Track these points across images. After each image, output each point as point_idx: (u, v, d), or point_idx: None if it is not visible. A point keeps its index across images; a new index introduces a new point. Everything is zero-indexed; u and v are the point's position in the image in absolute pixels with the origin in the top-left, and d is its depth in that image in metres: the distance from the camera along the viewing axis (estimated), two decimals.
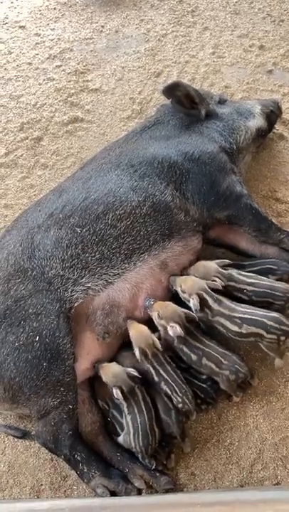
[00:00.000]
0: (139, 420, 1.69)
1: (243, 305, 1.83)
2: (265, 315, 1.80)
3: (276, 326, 1.78)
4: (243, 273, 1.93)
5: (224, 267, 1.96)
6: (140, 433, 1.67)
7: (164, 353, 1.81)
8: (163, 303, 1.87)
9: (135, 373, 1.73)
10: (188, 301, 1.84)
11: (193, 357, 1.80)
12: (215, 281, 1.88)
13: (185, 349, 1.81)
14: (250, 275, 1.93)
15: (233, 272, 1.93)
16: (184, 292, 1.86)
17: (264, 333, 1.78)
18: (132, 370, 1.75)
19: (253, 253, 2.15)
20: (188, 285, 1.86)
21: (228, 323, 1.81)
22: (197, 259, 2.05)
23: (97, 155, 2.24)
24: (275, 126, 2.62)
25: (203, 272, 1.94)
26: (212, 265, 1.95)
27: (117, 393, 1.71)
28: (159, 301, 1.87)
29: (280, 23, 3.15)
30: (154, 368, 1.78)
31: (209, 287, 1.85)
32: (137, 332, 1.81)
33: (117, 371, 1.76)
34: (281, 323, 1.79)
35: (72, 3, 3.39)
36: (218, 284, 1.87)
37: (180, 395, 1.74)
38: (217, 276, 1.90)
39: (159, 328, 1.83)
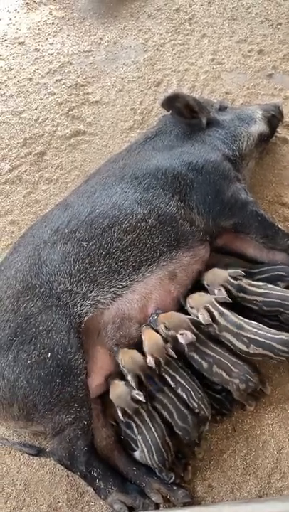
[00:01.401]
0: (149, 439, 1.68)
1: (252, 323, 1.81)
2: (274, 337, 1.77)
3: (284, 349, 1.76)
4: (254, 283, 1.92)
5: (237, 277, 1.94)
6: (154, 451, 1.66)
7: (177, 359, 1.80)
8: (167, 314, 1.86)
9: (140, 397, 1.70)
10: (197, 316, 1.82)
11: (204, 364, 1.78)
12: (220, 290, 1.87)
13: (196, 356, 1.79)
14: (260, 285, 1.91)
15: (243, 283, 1.91)
16: (192, 308, 1.86)
17: (272, 355, 1.77)
18: (137, 392, 1.71)
19: (261, 260, 2.14)
20: (195, 300, 1.86)
21: (235, 341, 1.79)
22: (207, 267, 2.04)
23: (101, 168, 2.25)
24: (278, 130, 2.62)
25: (211, 279, 1.93)
26: (222, 273, 1.94)
27: (119, 414, 1.71)
28: (163, 313, 1.87)
29: (278, 27, 3.15)
30: (169, 375, 1.77)
31: (217, 300, 1.83)
32: (151, 340, 1.80)
33: (120, 392, 1.74)
34: None
35: (70, 17, 3.41)
36: (224, 297, 1.86)
37: (196, 400, 1.73)
38: (224, 286, 1.89)
39: (169, 339, 1.82)
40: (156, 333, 1.82)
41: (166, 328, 1.82)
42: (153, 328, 1.85)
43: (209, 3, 3.33)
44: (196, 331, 1.80)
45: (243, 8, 3.28)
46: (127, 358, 1.78)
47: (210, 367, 1.78)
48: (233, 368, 1.77)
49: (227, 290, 1.89)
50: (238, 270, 1.96)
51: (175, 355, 1.78)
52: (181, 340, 1.78)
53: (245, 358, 1.82)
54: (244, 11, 3.26)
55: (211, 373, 1.78)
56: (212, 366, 1.78)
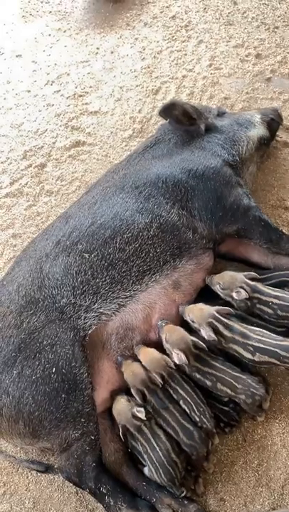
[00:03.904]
0: (154, 458, 1.65)
1: (256, 330, 1.78)
2: (279, 344, 1.74)
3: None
4: (268, 286, 1.89)
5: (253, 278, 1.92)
6: (161, 469, 1.64)
7: (179, 371, 1.78)
8: (173, 327, 1.84)
9: (141, 415, 1.67)
10: (200, 330, 1.79)
11: (208, 383, 1.76)
12: (239, 292, 1.84)
13: (198, 376, 1.77)
14: (275, 289, 1.88)
15: (259, 285, 1.89)
16: (193, 322, 1.83)
17: (277, 362, 1.75)
18: (138, 410, 1.68)
19: (266, 265, 2.12)
20: (195, 315, 1.82)
21: (241, 350, 1.77)
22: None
23: (101, 178, 2.24)
24: (278, 133, 2.60)
25: (229, 282, 1.90)
26: (239, 276, 1.91)
27: (120, 432, 1.69)
28: (170, 325, 1.84)
29: (275, 30, 3.14)
30: (171, 387, 1.75)
31: (219, 313, 1.80)
32: (148, 357, 1.78)
33: (121, 409, 1.72)
34: None
35: (67, 28, 3.42)
36: (245, 297, 1.84)
37: (198, 414, 1.71)
38: (242, 287, 1.86)
39: (167, 351, 1.80)
40: (150, 350, 1.80)
41: (166, 340, 1.80)
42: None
43: (205, 9, 3.33)
44: (196, 351, 1.77)
45: (238, 12, 3.27)
46: (128, 371, 1.75)
47: (214, 384, 1.76)
48: (236, 384, 1.74)
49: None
50: (252, 273, 1.93)
51: (174, 366, 1.76)
52: (175, 358, 1.75)
53: (247, 369, 1.79)
54: (240, 16, 3.25)
55: (217, 390, 1.76)
56: (216, 384, 1.75)
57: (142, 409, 1.68)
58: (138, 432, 1.69)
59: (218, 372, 1.75)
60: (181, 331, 1.81)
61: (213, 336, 1.75)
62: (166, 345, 1.80)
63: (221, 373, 1.75)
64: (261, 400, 1.74)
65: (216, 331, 1.77)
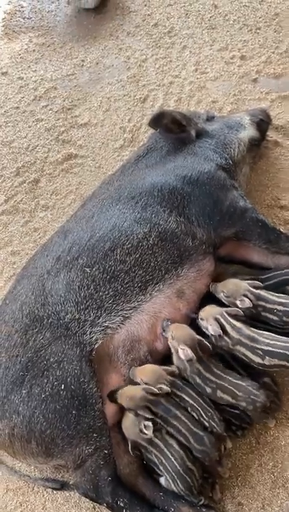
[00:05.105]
0: (170, 468, 1.64)
1: (264, 334, 1.78)
2: (287, 346, 1.74)
3: None
4: (272, 293, 1.89)
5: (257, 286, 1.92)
6: (177, 480, 1.63)
7: (181, 379, 1.77)
8: (179, 324, 1.84)
9: (148, 431, 1.65)
10: (207, 328, 1.80)
11: (208, 389, 1.75)
12: (243, 300, 1.83)
13: (198, 381, 1.76)
14: (280, 295, 1.88)
15: (263, 292, 1.88)
16: (202, 320, 1.83)
17: (287, 364, 1.74)
18: (146, 424, 1.66)
19: (266, 265, 2.12)
20: (205, 311, 1.83)
21: (250, 354, 1.76)
22: (213, 280, 2.02)
23: (96, 191, 2.24)
24: (268, 133, 2.61)
25: (232, 290, 1.90)
26: (243, 284, 1.91)
27: (130, 446, 1.68)
28: (177, 323, 1.85)
29: (257, 31, 3.16)
30: (176, 395, 1.74)
31: (228, 313, 1.81)
32: (146, 373, 1.76)
33: (129, 425, 1.71)
34: None
35: (50, 42, 3.43)
36: (249, 306, 1.84)
37: (206, 418, 1.70)
38: (246, 295, 1.86)
39: (172, 350, 1.80)
40: (144, 366, 1.79)
41: (172, 337, 1.80)
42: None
43: (186, 14, 3.35)
44: (200, 354, 1.77)
45: (220, 16, 3.29)
46: (124, 400, 1.72)
47: (214, 392, 1.74)
48: (237, 392, 1.73)
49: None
50: (256, 282, 1.93)
51: (175, 373, 1.76)
52: (181, 355, 1.75)
53: (248, 376, 1.78)
54: (222, 19, 3.27)
55: (216, 398, 1.75)
56: (216, 391, 1.74)
57: (150, 424, 1.66)
58: (150, 444, 1.68)
59: (218, 380, 1.74)
60: (187, 328, 1.81)
61: (218, 330, 1.77)
62: (171, 343, 1.79)
63: (222, 381, 1.74)
64: (263, 405, 1.72)
65: (223, 330, 1.77)
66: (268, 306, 1.85)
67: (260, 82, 2.93)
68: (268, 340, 1.75)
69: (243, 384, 1.74)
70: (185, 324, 1.88)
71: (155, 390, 1.70)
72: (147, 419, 1.67)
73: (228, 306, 1.89)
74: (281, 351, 1.73)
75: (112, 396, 1.75)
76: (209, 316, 1.82)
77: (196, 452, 1.67)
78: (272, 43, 3.07)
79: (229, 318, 1.80)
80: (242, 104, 2.84)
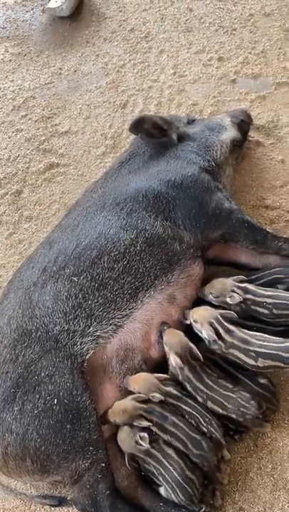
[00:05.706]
0: (169, 478, 1.62)
1: (256, 335, 1.77)
2: (280, 346, 1.73)
3: None
4: (260, 287, 1.88)
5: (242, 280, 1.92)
6: (177, 489, 1.60)
7: (177, 386, 1.76)
8: (174, 331, 1.83)
9: (144, 443, 1.63)
10: (201, 332, 1.78)
11: (199, 398, 1.74)
12: (233, 296, 1.83)
13: (189, 388, 1.75)
14: (267, 288, 1.88)
15: (250, 286, 1.88)
16: (196, 322, 1.81)
17: (281, 365, 1.73)
18: (142, 436, 1.64)
19: (255, 266, 2.12)
20: (199, 314, 1.81)
21: (243, 356, 1.75)
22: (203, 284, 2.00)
23: (80, 199, 2.22)
24: (250, 134, 2.62)
25: (220, 289, 1.90)
26: (228, 281, 1.91)
27: (126, 459, 1.66)
28: (172, 329, 1.83)
29: (233, 32, 3.17)
30: (172, 405, 1.72)
31: (222, 316, 1.79)
32: (138, 383, 1.74)
33: (124, 438, 1.68)
34: None
35: (26, 51, 3.40)
36: (233, 301, 1.84)
37: (205, 424, 1.69)
38: (234, 291, 1.86)
39: (167, 355, 1.79)
40: (137, 375, 1.77)
41: (165, 343, 1.78)
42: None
43: (162, 18, 3.35)
44: (193, 362, 1.76)
45: (196, 19, 3.29)
46: (117, 415, 1.70)
47: (204, 402, 1.73)
48: (226, 403, 1.71)
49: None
50: (240, 276, 1.94)
51: (170, 381, 1.75)
52: (171, 360, 1.75)
53: (236, 388, 1.76)
54: (198, 22, 3.27)
55: (207, 408, 1.73)
56: (206, 402, 1.73)
57: (146, 435, 1.64)
58: (148, 455, 1.66)
59: (209, 391, 1.73)
60: (181, 336, 1.79)
61: (213, 335, 1.75)
62: (166, 348, 1.79)
63: (212, 392, 1.73)
64: (254, 416, 1.71)
65: (216, 333, 1.76)
66: (257, 299, 1.85)
67: (238, 83, 2.94)
68: (260, 342, 1.74)
69: (234, 396, 1.72)
70: (178, 330, 1.86)
71: (143, 396, 1.68)
72: (143, 429, 1.64)
73: (220, 307, 1.88)
74: (273, 352, 1.72)
75: (105, 419, 1.72)
76: (204, 321, 1.80)
77: (193, 457, 1.65)
78: (248, 44, 3.09)
79: (224, 322, 1.78)
80: (222, 106, 2.84)
